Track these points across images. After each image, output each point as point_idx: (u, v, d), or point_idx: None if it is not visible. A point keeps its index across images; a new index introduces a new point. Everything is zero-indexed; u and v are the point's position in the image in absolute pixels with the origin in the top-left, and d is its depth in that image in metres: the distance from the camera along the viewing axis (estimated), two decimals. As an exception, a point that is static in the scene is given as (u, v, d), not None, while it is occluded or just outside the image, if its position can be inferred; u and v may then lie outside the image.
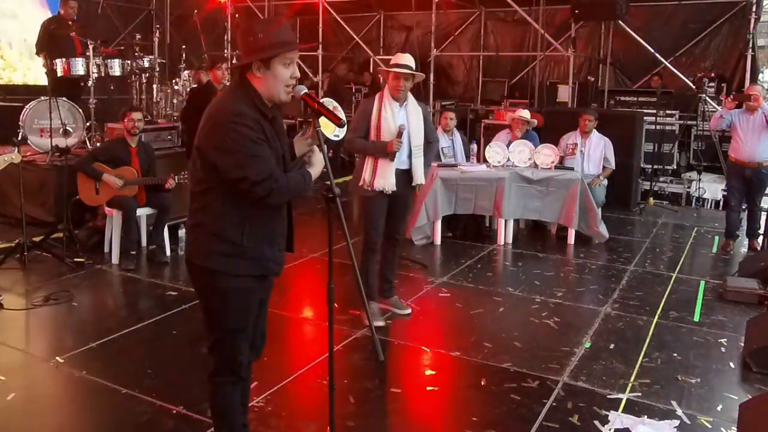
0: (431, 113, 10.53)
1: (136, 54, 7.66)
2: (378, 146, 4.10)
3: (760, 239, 6.23)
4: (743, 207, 6.41)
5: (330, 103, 2.74)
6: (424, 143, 4.27)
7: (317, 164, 2.44)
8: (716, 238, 6.72)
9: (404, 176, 4.22)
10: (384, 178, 4.12)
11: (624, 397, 3.35)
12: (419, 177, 4.26)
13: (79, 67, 7.00)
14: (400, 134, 4.09)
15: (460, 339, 4.07)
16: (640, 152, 8.51)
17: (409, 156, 4.20)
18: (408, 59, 4.11)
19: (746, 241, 6.45)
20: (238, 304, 2.38)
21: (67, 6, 7.44)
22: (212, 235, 2.33)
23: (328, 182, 2.24)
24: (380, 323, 4.25)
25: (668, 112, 8.92)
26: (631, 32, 9.25)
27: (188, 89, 7.76)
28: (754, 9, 9.01)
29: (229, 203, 2.29)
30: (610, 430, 3.05)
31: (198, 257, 2.38)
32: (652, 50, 9.15)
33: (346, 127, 3.25)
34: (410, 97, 4.20)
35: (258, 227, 2.33)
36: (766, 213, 6.42)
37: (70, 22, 7.44)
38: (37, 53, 7.56)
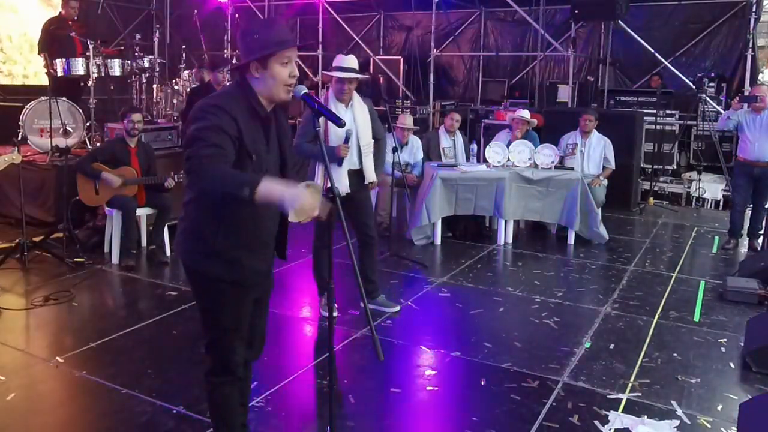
0: (430, 114, 10.55)
1: (136, 54, 7.66)
2: (327, 152, 4.09)
3: (761, 239, 6.23)
4: (748, 206, 6.42)
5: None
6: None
7: (287, 196, 2.00)
8: (716, 238, 6.73)
9: (356, 176, 4.25)
10: (337, 181, 4.13)
11: (624, 397, 3.35)
12: (370, 175, 4.31)
13: (79, 67, 7.01)
14: (347, 139, 4.11)
15: (460, 339, 4.07)
16: (640, 152, 8.51)
17: (359, 156, 4.23)
18: (352, 61, 4.17)
19: (746, 241, 6.46)
20: (229, 304, 2.36)
21: (68, 6, 7.45)
22: (190, 230, 2.33)
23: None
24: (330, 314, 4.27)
25: (668, 112, 8.92)
26: (631, 32, 9.25)
27: (188, 89, 7.76)
28: (754, 9, 9.00)
29: (210, 201, 2.25)
30: (610, 430, 3.05)
31: (179, 253, 2.40)
32: (652, 50, 9.14)
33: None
34: (355, 96, 4.24)
35: (235, 231, 2.27)
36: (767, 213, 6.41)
37: (70, 23, 7.45)
38: (39, 53, 7.57)
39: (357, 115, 4.22)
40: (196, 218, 2.31)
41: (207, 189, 2.16)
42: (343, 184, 4.15)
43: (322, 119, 2.45)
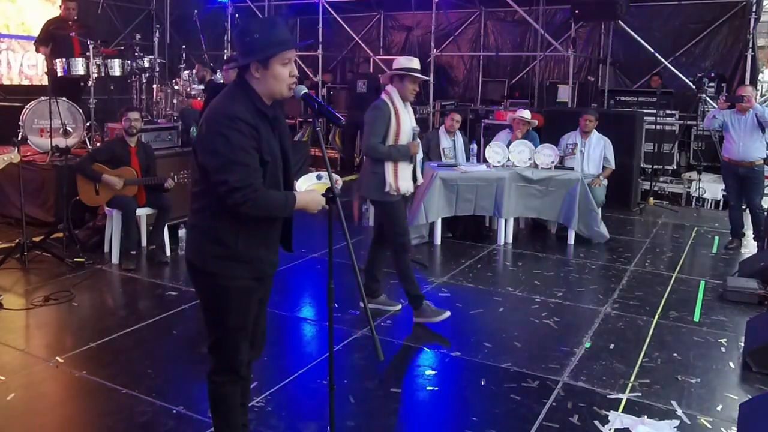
0: (430, 113, 10.55)
1: (136, 54, 7.66)
2: (402, 150, 4.16)
3: (766, 240, 6.22)
4: (744, 207, 6.43)
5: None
6: None
7: (312, 204, 2.37)
8: (716, 238, 6.73)
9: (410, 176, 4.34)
10: (406, 180, 4.21)
11: (624, 397, 3.35)
12: (420, 176, 4.42)
13: (79, 67, 7.00)
14: (414, 136, 4.18)
15: (460, 339, 4.07)
16: (640, 152, 8.51)
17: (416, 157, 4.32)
18: (418, 63, 4.25)
19: (746, 240, 6.45)
20: (237, 304, 2.37)
21: (65, 8, 7.45)
22: (208, 237, 2.34)
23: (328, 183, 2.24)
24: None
25: (668, 112, 8.92)
26: (631, 32, 9.25)
27: (188, 89, 7.76)
28: (754, 9, 9.01)
29: (225, 206, 2.26)
30: (610, 430, 3.05)
31: (195, 259, 2.39)
32: (652, 50, 9.15)
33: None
34: None
35: (253, 231, 2.31)
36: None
37: (70, 23, 7.46)
38: (36, 50, 7.57)
39: (411, 115, 4.29)
40: (213, 224, 2.32)
41: (259, 217, 2.28)
42: (410, 183, 4.24)
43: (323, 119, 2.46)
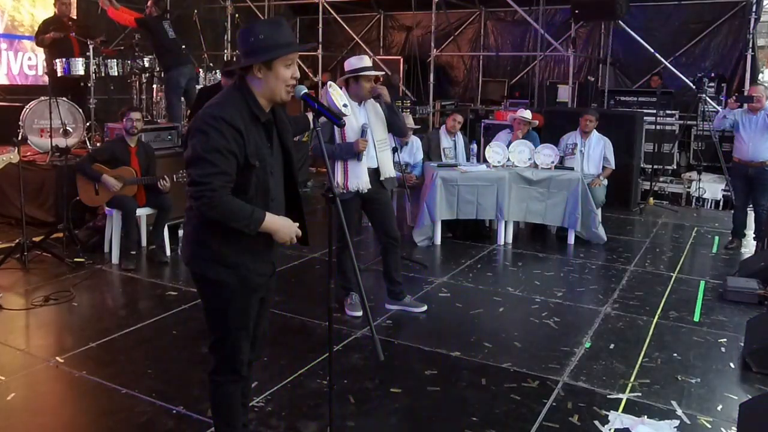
0: (430, 114, 10.55)
1: (136, 54, 7.66)
2: (345, 148, 4.18)
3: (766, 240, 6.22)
4: (749, 207, 6.43)
5: (336, 91, 2.84)
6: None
7: (283, 232, 2.32)
8: (716, 238, 6.73)
9: (374, 174, 4.31)
10: (357, 177, 4.21)
11: (624, 397, 3.35)
12: (387, 170, 4.37)
13: (79, 67, 7.00)
14: (363, 133, 4.17)
15: (460, 339, 4.07)
16: (640, 152, 8.52)
17: (375, 153, 4.29)
18: (368, 61, 4.27)
19: (747, 240, 6.45)
20: (236, 304, 2.37)
21: (60, 3, 7.42)
22: (195, 237, 2.35)
23: (328, 182, 2.25)
24: (358, 313, 4.35)
25: (668, 112, 8.93)
26: (631, 32, 9.25)
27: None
28: (754, 9, 9.01)
29: None
30: (610, 430, 3.05)
31: (187, 259, 2.40)
32: (652, 50, 9.15)
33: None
34: None
35: (237, 236, 2.27)
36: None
37: (70, 23, 7.45)
38: (40, 44, 7.53)
39: (369, 112, 4.29)
40: (198, 225, 2.32)
41: (215, 219, 2.22)
42: (363, 180, 4.21)
43: (323, 118, 2.47)
